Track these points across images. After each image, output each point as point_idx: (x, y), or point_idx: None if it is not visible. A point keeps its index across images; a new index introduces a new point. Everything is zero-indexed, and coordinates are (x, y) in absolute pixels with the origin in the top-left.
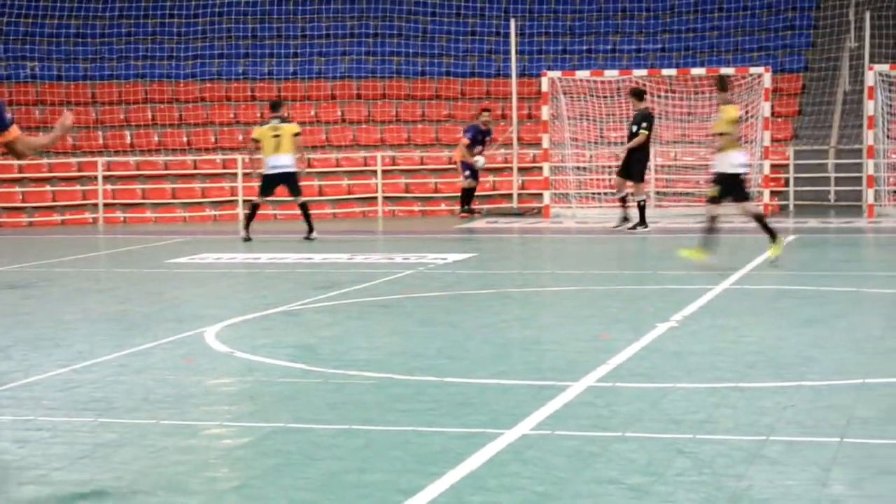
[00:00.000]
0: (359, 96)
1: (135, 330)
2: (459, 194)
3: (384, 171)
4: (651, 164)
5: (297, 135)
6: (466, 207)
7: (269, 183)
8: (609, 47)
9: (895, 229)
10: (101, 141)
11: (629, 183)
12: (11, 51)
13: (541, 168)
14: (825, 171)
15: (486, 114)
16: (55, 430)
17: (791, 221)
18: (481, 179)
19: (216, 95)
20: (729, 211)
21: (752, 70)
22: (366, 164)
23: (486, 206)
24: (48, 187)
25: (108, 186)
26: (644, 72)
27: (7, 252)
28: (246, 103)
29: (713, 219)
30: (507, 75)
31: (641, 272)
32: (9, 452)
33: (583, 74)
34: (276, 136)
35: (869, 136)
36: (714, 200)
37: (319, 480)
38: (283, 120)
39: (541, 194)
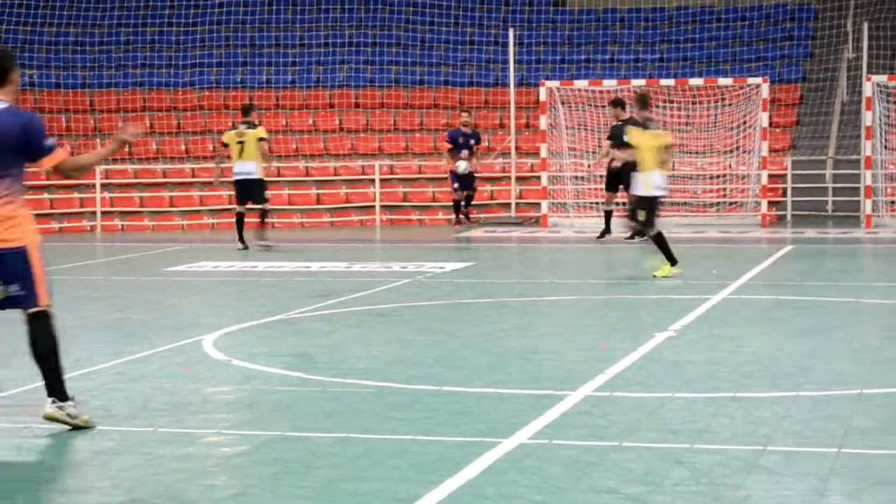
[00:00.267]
0: (357, 105)
1: (133, 338)
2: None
3: (382, 180)
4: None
5: (261, 139)
6: (457, 217)
7: (237, 189)
8: (607, 57)
9: (893, 240)
10: (99, 149)
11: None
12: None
13: (539, 177)
14: (823, 181)
15: (464, 115)
16: (54, 438)
17: (789, 232)
18: (478, 188)
19: (214, 104)
20: (728, 222)
21: (751, 80)
22: (364, 173)
23: (483, 216)
24: (46, 195)
25: (106, 194)
26: (642, 82)
27: None
28: None
29: (659, 234)
30: (506, 85)
31: (639, 282)
32: (7, 459)
33: (581, 84)
34: (241, 142)
35: (867, 147)
36: (645, 224)
37: (317, 489)
38: (251, 125)
39: (539, 204)
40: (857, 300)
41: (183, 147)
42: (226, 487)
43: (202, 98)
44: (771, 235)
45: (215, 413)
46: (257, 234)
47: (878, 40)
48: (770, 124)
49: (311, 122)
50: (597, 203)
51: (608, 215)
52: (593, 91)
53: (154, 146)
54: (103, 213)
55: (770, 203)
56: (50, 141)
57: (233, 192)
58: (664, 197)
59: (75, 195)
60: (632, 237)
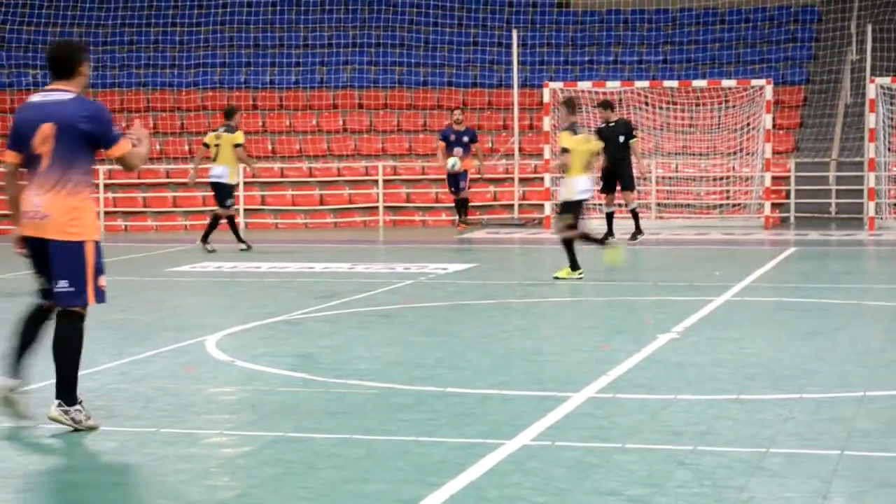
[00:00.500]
0: (360, 106)
1: (135, 338)
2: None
3: (385, 181)
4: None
5: (237, 146)
6: (460, 219)
7: (213, 190)
8: (611, 58)
9: None
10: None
11: (633, 194)
12: (14, 59)
13: (542, 179)
14: (826, 183)
15: (457, 112)
16: (56, 438)
17: (792, 234)
18: (481, 189)
19: (218, 104)
20: (731, 224)
21: (754, 82)
22: (367, 174)
23: (486, 217)
24: None
25: (110, 195)
26: (646, 83)
27: (7, 260)
28: (248, 112)
29: (585, 235)
30: (509, 86)
31: (642, 283)
32: (10, 460)
33: (584, 85)
34: (217, 144)
35: (870, 149)
36: (571, 227)
37: (320, 490)
38: (230, 129)
39: (542, 205)
40: (861, 302)
41: (186, 147)
42: (228, 488)
43: (206, 98)
44: (774, 237)
45: (218, 414)
46: (203, 234)
47: (881, 42)
48: (773, 126)
49: (314, 122)
50: (600, 205)
51: (609, 217)
52: (597, 92)
53: (157, 146)
54: (107, 213)
55: (773, 205)
56: (117, 131)
57: (235, 194)
58: (588, 200)
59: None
60: (633, 237)
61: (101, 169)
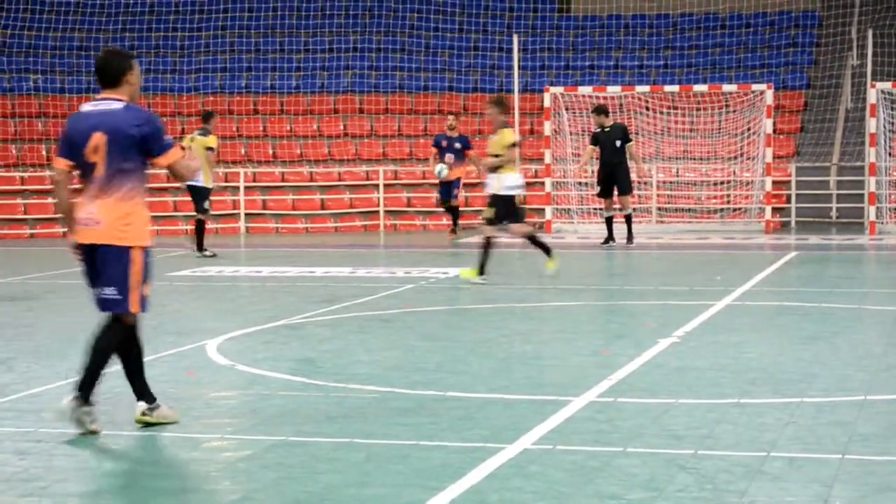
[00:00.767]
0: (361, 111)
1: None
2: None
3: (386, 185)
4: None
5: (209, 149)
6: (454, 226)
7: (190, 194)
8: (611, 63)
9: None
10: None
11: (630, 199)
12: (15, 63)
13: (543, 183)
14: (827, 188)
15: (450, 118)
16: (57, 442)
17: (793, 238)
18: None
19: (219, 109)
20: (732, 228)
21: (755, 87)
22: (368, 178)
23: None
24: (50, 199)
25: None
26: (646, 88)
27: (9, 264)
28: (249, 117)
29: (488, 240)
30: (510, 91)
31: (643, 287)
32: (10, 464)
33: (585, 90)
34: (189, 146)
35: (871, 154)
36: (490, 222)
37: (320, 494)
38: (204, 132)
39: (543, 209)
40: (861, 307)
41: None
42: (229, 492)
43: (206, 103)
44: (775, 242)
45: (218, 418)
46: (187, 239)
47: (882, 47)
48: (774, 131)
49: (315, 127)
50: (600, 209)
51: (609, 222)
52: (597, 97)
53: None
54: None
55: (774, 209)
56: (168, 139)
57: (236, 198)
58: (518, 196)
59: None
60: (606, 242)
61: None
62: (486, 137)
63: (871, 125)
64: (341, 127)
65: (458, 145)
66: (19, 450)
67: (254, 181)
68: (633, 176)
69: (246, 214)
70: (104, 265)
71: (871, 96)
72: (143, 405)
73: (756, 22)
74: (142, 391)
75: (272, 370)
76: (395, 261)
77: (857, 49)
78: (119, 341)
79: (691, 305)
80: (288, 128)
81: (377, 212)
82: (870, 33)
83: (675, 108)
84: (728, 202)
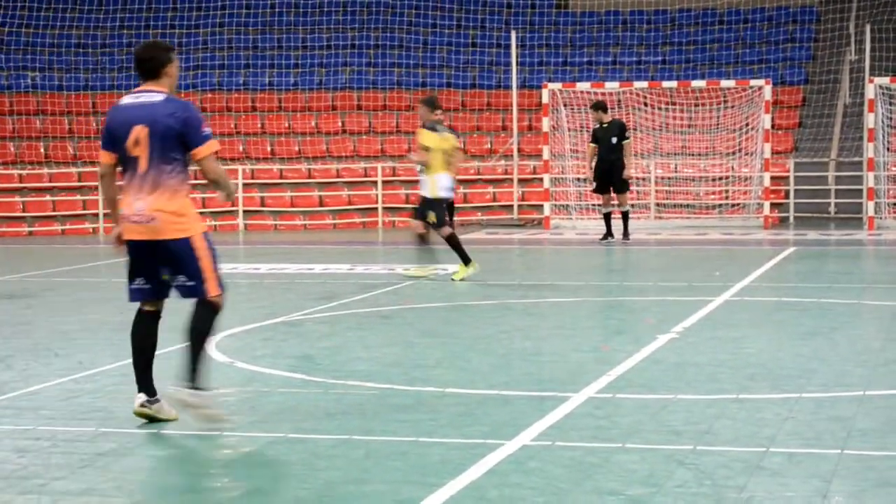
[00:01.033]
0: (359, 107)
1: None
2: None
3: (385, 182)
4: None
5: None
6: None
7: None
8: (609, 59)
9: (895, 241)
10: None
11: (627, 196)
12: (13, 61)
13: (541, 179)
14: (825, 183)
15: (437, 112)
16: (55, 440)
17: (791, 233)
18: (480, 190)
19: (217, 106)
20: (730, 224)
21: (753, 82)
22: (366, 175)
23: (486, 217)
24: (49, 197)
25: None
26: (644, 84)
27: (7, 262)
28: (246, 114)
29: (451, 236)
30: (508, 87)
31: (641, 283)
32: (9, 462)
33: (583, 86)
34: None
35: (869, 149)
36: (437, 226)
37: (319, 490)
38: None
39: (541, 205)
40: (860, 302)
41: None
42: (228, 489)
43: (205, 100)
44: (773, 237)
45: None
46: None
47: (880, 42)
48: (772, 126)
49: (313, 124)
50: (599, 205)
51: (607, 218)
52: (596, 93)
53: None
54: (106, 215)
55: (772, 205)
56: (206, 132)
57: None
58: (450, 198)
59: (78, 197)
60: (604, 237)
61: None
62: (484, 134)
63: (870, 120)
64: (339, 124)
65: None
66: (18, 447)
67: (252, 178)
68: (630, 171)
69: (244, 211)
70: (172, 258)
71: (870, 91)
72: (143, 397)
73: (754, 17)
74: (146, 384)
75: (271, 367)
76: (394, 257)
77: (855, 44)
78: (213, 323)
79: (690, 301)
80: (286, 125)
81: (376, 208)
82: (868, 28)
83: (674, 103)
84: (726, 198)
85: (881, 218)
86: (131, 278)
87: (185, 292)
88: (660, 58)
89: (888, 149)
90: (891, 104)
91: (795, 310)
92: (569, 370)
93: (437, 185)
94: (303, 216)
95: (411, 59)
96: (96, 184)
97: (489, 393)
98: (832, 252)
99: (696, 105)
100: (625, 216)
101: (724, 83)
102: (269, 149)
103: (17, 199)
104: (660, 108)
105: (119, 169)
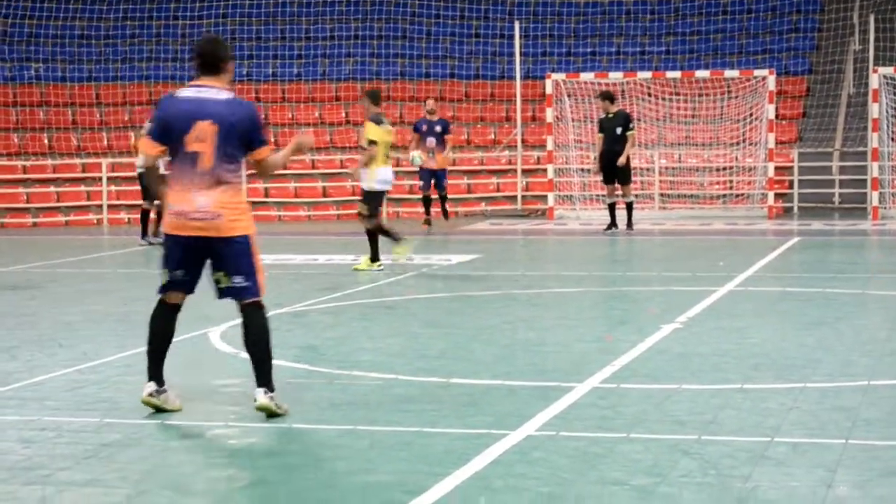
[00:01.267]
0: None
1: (139, 330)
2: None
3: None
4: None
5: None
6: (426, 218)
7: (139, 183)
8: (613, 49)
9: None
10: (105, 142)
11: (631, 187)
12: (16, 52)
13: (545, 170)
14: (829, 173)
15: (430, 102)
16: (60, 431)
17: (795, 224)
18: (485, 181)
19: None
20: (734, 214)
21: (757, 72)
22: None
23: (490, 208)
24: (53, 188)
25: (113, 188)
26: (648, 74)
27: (11, 253)
28: None
29: (380, 227)
30: (512, 77)
31: (645, 274)
32: (14, 452)
33: (587, 77)
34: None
35: (873, 139)
36: (367, 216)
37: (324, 481)
38: None
39: (545, 196)
40: (864, 292)
41: None
42: (233, 480)
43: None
44: (777, 227)
45: (222, 405)
46: (151, 229)
47: (884, 32)
48: (776, 116)
49: (317, 114)
50: (603, 196)
51: (611, 208)
52: (599, 83)
53: None
54: (110, 206)
55: (777, 195)
56: (265, 135)
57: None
58: (386, 191)
59: (82, 188)
60: (609, 228)
61: (104, 162)
62: (488, 125)
63: (874, 110)
64: (343, 114)
65: (438, 129)
66: (23, 438)
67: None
68: (635, 162)
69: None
70: (229, 256)
71: (874, 81)
72: (152, 386)
73: (758, 7)
74: (158, 373)
75: (275, 358)
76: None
77: (859, 34)
78: (266, 323)
79: (694, 291)
80: (289, 115)
81: None
82: (872, 18)
83: (678, 94)
84: (730, 188)
85: (885, 208)
86: (172, 269)
87: (237, 293)
88: (664, 48)
89: (892, 139)
90: (895, 94)
91: (800, 300)
92: (573, 360)
93: (375, 177)
94: (307, 207)
95: (415, 49)
96: (100, 175)
97: (493, 383)
98: (836, 242)
99: (700, 95)
100: (629, 206)
101: (728, 73)
102: (272, 139)
103: (21, 190)
104: (664, 99)
105: (167, 160)
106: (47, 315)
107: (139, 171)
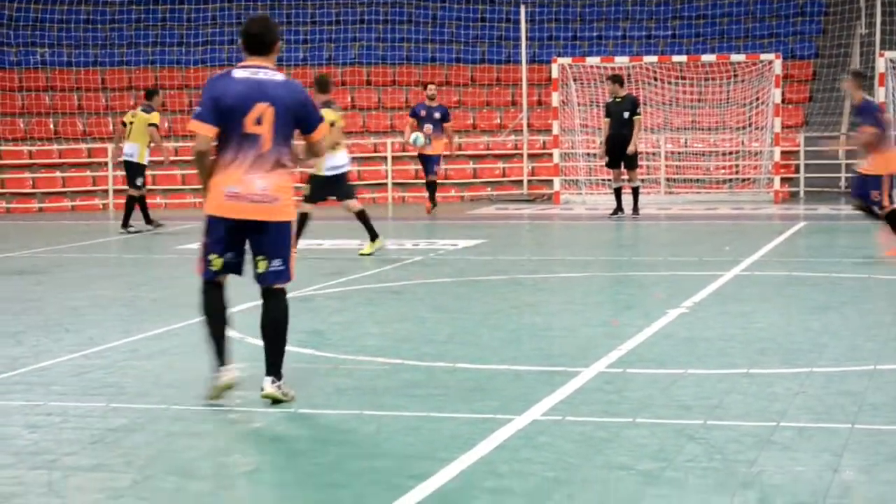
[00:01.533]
0: (369, 83)
1: (145, 315)
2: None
3: (394, 158)
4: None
5: (151, 125)
6: (432, 202)
7: (125, 170)
8: (619, 33)
9: None
10: (111, 127)
11: (637, 172)
12: (22, 37)
13: (551, 154)
14: (836, 157)
15: (430, 87)
16: (66, 416)
17: (801, 208)
18: (490, 165)
19: None
20: (740, 199)
21: (763, 56)
22: (376, 151)
23: (496, 193)
24: (58, 173)
25: (119, 172)
26: (654, 58)
27: (18, 238)
28: None
29: (304, 217)
30: (518, 62)
31: (651, 258)
32: (20, 437)
33: (593, 61)
34: (131, 122)
35: None
36: (306, 200)
37: (330, 466)
38: (147, 109)
39: (551, 181)
40: (871, 276)
41: None
42: (239, 464)
43: (214, 75)
44: (783, 212)
45: (228, 390)
46: (125, 218)
47: (890, 16)
48: (783, 100)
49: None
50: (608, 180)
51: (617, 193)
52: (605, 67)
53: (166, 124)
54: (115, 190)
55: (783, 179)
56: (319, 114)
57: None
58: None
59: (88, 173)
60: (615, 212)
61: (110, 147)
62: (494, 109)
63: (880, 94)
64: (349, 99)
65: (437, 115)
66: (29, 423)
67: (167, 158)
68: (641, 147)
69: None
70: (274, 241)
71: (880, 65)
72: (232, 371)
73: None
74: (226, 354)
75: None
76: (404, 233)
77: (865, 18)
78: (288, 310)
79: (700, 276)
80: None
81: (385, 184)
82: (878, 2)
83: (684, 78)
84: (737, 172)
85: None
86: (222, 252)
87: (272, 277)
88: (670, 32)
89: None
90: None
91: (806, 284)
92: (579, 345)
93: (324, 163)
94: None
95: (420, 34)
96: (106, 160)
97: (499, 368)
98: (842, 227)
99: (707, 79)
100: (635, 191)
101: (735, 57)
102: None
103: (27, 175)
104: (670, 83)
105: (220, 140)
106: (53, 300)
107: (125, 158)
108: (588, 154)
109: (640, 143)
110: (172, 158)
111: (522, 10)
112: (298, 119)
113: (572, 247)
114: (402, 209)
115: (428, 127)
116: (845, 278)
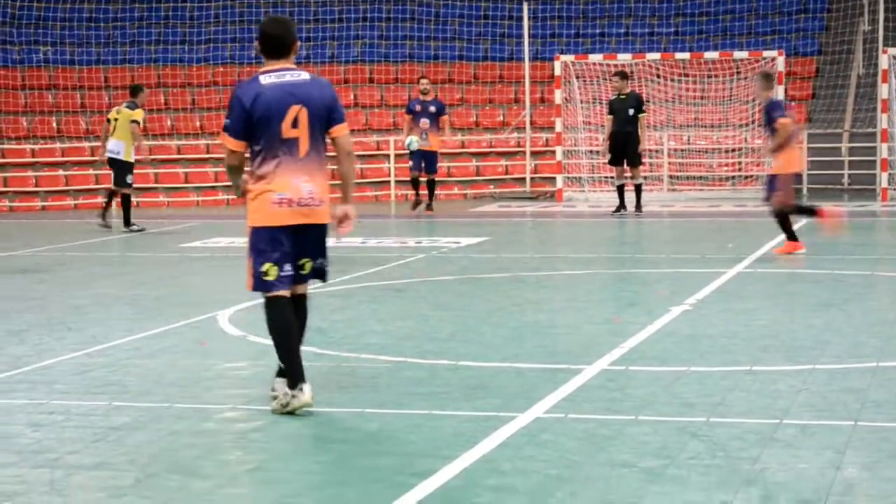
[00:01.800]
0: (371, 80)
1: (148, 314)
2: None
3: (397, 155)
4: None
5: (133, 122)
6: (416, 199)
7: (110, 167)
8: (622, 31)
9: None
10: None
11: (640, 169)
12: (24, 35)
13: (553, 152)
14: (839, 154)
15: (424, 80)
16: (69, 414)
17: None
18: (493, 163)
19: (229, 80)
20: (743, 196)
21: (766, 53)
22: (378, 149)
23: (498, 190)
24: (61, 172)
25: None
26: (657, 55)
27: (20, 236)
28: None
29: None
30: (520, 59)
31: (654, 256)
32: (23, 436)
33: (596, 58)
34: (115, 119)
35: (883, 120)
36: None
37: (332, 464)
38: (131, 105)
39: (554, 178)
40: (873, 273)
41: (198, 123)
42: (241, 463)
43: (216, 74)
44: None
45: (230, 388)
46: (100, 213)
47: (894, 12)
48: (786, 97)
49: None
50: (611, 178)
51: (620, 190)
52: (608, 65)
53: (169, 122)
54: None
55: None
56: (343, 111)
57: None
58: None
59: (91, 172)
60: (617, 210)
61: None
62: (496, 107)
63: (883, 91)
64: (352, 97)
65: (432, 109)
66: (32, 422)
67: (147, 154)
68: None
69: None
70: (319, 242)
71: (883, 62)
72: (309, 390)
73: None
74: (303, 372)
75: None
76: (407, 230)
77: (868, 14)
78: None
79: (703, 273)
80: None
81: (388, 182)
82: None
83: (686, 75)
84: (739, 170)
85: (895, 189)
86: (280, 265)
87: (323, 275)
88: (672, 29)
89: None
90: None
91: (808, 281)
92: (581, 342)
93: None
94: None
95: (423, 31)
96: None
97: (502, 366)
98: (845, 223)
99: (709, 76)
100: (637, 188)
101: (737, 54)
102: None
103: (30, 173)
104: (673, 80)
105: (256, 149)
106: (56, 298)
107: (108, 156)
108: (591, 151)
109: (642, 140)
110: (175, 157)
111: (525, 7)
112: (326, 116)
113: (575, 244)
114: (404, 207)
115: (424, 122)
116: (848, 275)
